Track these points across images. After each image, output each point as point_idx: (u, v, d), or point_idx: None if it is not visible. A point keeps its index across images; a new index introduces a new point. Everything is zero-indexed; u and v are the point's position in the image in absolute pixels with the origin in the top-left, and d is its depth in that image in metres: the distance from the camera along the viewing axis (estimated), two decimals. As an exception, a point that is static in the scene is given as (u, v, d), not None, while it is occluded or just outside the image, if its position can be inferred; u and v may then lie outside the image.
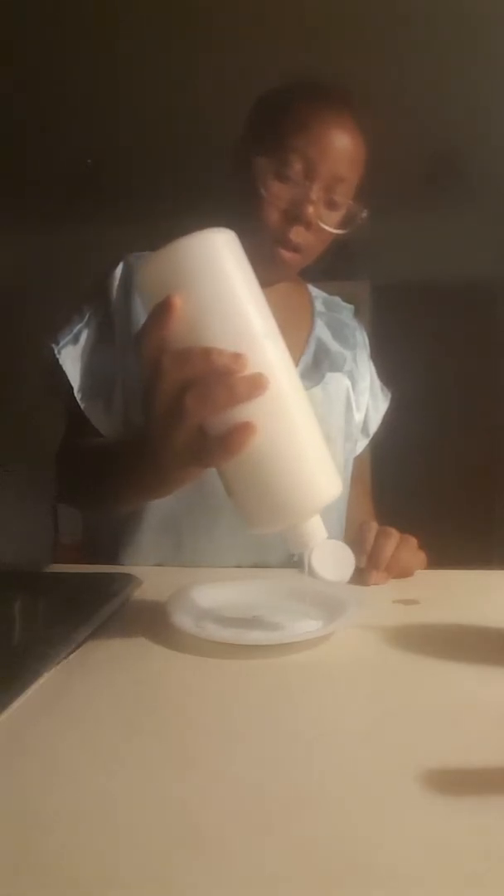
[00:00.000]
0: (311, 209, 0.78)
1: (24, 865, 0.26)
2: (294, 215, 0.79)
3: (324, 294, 1.03)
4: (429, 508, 2.81)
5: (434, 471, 3.47)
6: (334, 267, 0.95)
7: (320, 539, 0.50)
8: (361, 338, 1.03)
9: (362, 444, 1.04)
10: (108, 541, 0.91)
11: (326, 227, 0.81)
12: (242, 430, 0.45)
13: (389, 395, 1.07)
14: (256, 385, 0.45)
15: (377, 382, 1.05)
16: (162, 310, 0.45)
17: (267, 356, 0.47)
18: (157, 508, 0.86)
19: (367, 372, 1.02)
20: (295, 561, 0.52)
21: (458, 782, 0.33)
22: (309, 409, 0.50)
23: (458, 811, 0.30)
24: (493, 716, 0.41)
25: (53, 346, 0.85)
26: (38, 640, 0.50)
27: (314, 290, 1.02)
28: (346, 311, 1.01)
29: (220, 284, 0.46)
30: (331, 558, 0.51)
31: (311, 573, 0.50)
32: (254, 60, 1.82)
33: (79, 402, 0.85)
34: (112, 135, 2.74)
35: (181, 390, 0.45)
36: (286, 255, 0.82)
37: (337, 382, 0.94)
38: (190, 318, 0.45)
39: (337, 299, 1.03)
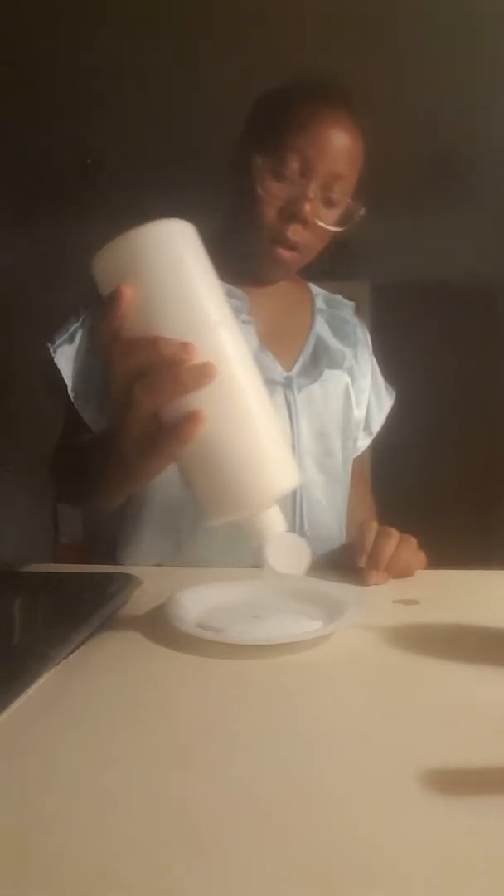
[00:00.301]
0: (307, 207, 0.78)
1: (24, 865, 0.26)
2: (291, 213, 0.79)
3: (325, 292, 1.03)
4: (429, 508, 2.81)
5: (434, 470, 3.47)
6: (334, 267, 0.95)
7: (278, 531, 0.50)
8: (363, 335, 1.03)
9: (365, 442, 1.04)
10: (108, 541, 0.91)
11: (324, 225, 0.81)
12: (191, 419, 0.45)
13: (394, 394, 1.06)
14: (204, 374, 0.45)
15: (381, 380, 1.05)
16: (112, 300, 0.46)
17: (220, 345, 0.47)
18: (157, 508, 0.86)
19: (368, 369, 1.02)
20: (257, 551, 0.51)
21: (458, 782, 0.33)
22: (265, 398, 0.50)
23: (458, 811, 0.30)
24: (493, 716, 0.41)
25: (49, 345, 0.86)
26: (38, 640, 0.50)
27: (315, 288, 1.02)
28: (346, 309, 1.01)
29: (172, 273, 0.46)
30: (287, 551, 0.50)
31: (267, 565, 0.50)
32: (254, 60, 1.82)
33: (73, 400, 0.85)
34: (112, 135, 2.74)
35: (132, 380, 0.46)
36: (284, 253, 0.82)
37: (336, 379, 0.94)
38: (142, 308, 0.46)
39: (338, 297, 1.03)
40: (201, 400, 0.46)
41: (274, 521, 0.50)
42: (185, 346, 0.45)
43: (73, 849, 0.27)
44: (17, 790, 0.32)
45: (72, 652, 0.50)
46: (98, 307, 0.48)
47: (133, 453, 0.51)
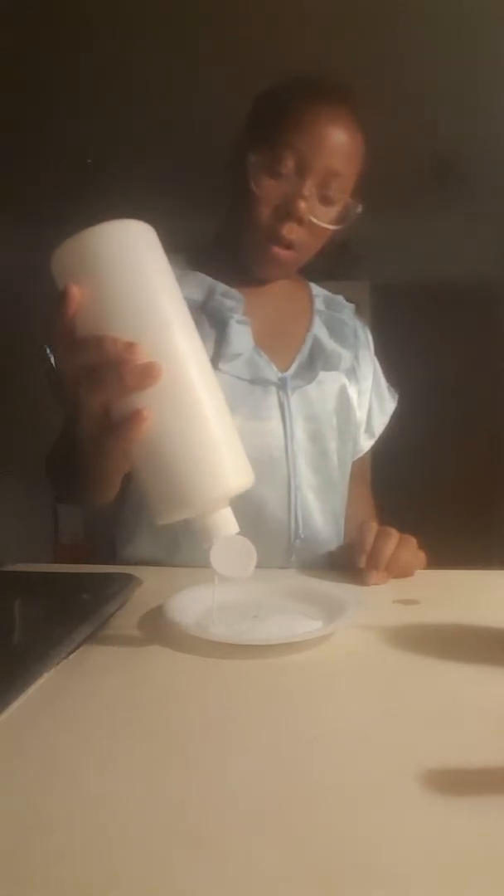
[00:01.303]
0: (302, 205, 0.78)
1: (24, 865, 0.26)
2: (286, 211, 0.79)
3: (325, 292, 1.02)
4: (429, 508, 2.81)
5: (434, 471, 3.47)
6: (334, 267, 0.95)
7: (228, 532, 0.49)
8: (364, 337, 1.03)
9: (367, 443, 1.04)
10: (108, 540, 0.91)
11: (320, 223, 0.80)
12: (134, 419, 0.46)
13: (397, 396, 1.06)
14: (148, 374, 0.45)
15: (383, 382, 1.05)
16: (60, 298, 0.46)
17: (171, 345, 0.47)
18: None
19: (369, 371, 1.02)
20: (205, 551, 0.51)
21: (458, 782, 0.33)
22: (219, 398, 0.50)
23: (458, 811, 0.30)
24: (493, 716, 0.41)
25: (46, 347, 0.86)
26: (38, 640, 0.50)
27: (315, 289, 1.01)
28: (346, 311, 1.01)
29: (122, 273, 0.47)
30: (231, 553, 0.50)
31: (212, 567, 0.50)
32: (254, 60, 1.81)
33: (58, 404, 0.85)
34: (112, 135, 2.74)
35: (79, 378, 0.47)
36: (280, 252, 0.82)
37: (332, 381, 0.93)
38: (93, 307, 0.46)
39: (339, 298, 1.02)
40: (149, 399, 0.46)
41: (224, 522, 0.49)
42: (129, 345, 0.45)
43: (73, 849, 0.27)
44: (17, 790, 0.32)
45: (72, 652, 0.50)
46: (52, 306, 0.48)
47: (89, 453, 0.52)
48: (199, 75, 2.31)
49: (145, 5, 1.97)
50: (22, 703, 0.41)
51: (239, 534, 0.50)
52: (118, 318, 0.46)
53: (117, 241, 0.47)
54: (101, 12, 1.99)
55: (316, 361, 0.92)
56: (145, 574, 0.72)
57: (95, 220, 0.47)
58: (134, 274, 0.47)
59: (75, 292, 0.46)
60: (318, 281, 1.03)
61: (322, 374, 0.92)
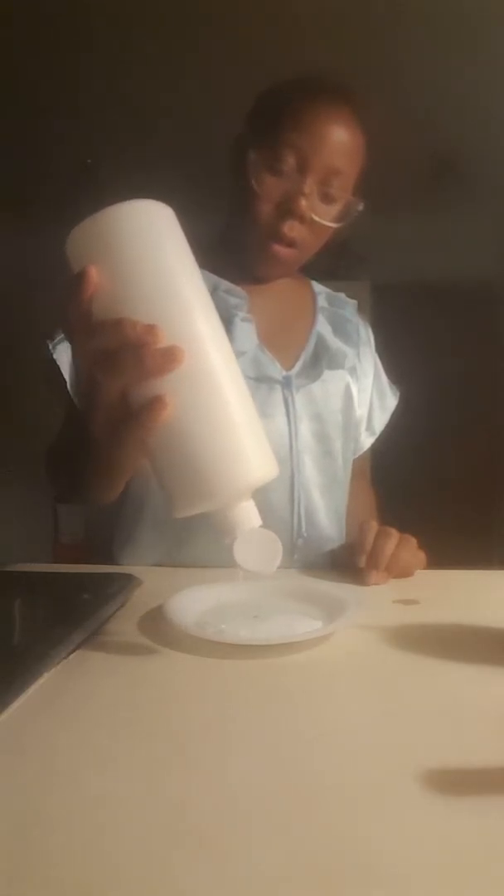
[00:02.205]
0: (303, 202, 0.78)
1: (24, 865, 0.26)
2: (287, 209, 0.78)
3: (327, 290, 1.02)
4: (429, 508, 2.81)
5: (434, 470, 3.47)
6: (335, 267, 0.95)
7: (251, 526, 0.47)
8: (365, 334, 1.03)
9: (368, 441, 1.04)
10: (108, 540, 0.91)
11: (321, 221, 0.80)
12: (154, 405, 0.43)
13: (398, 393, 1.06)
14: (169, 358, 0.43)
15: (384, 380, 1.05)
16: (77, 280, 0.44)
17: (193, 328, 0.45)
18: (157, 507, 0.86)
19: (370, 369, 1.02)
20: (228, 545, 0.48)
21: (458, 782, 0.33)
22: (242, 385, 0.47)
23: (458, 811, 0.30)
24: (493, 716, 0.41)
25: (48, 342, 0.85)
26: (38, 640, 0.50)
27: (317, 286, 1.01)
28: (349, 308, 1.01)
29: (142, 253, 0.45)
30: (256, 548, 0.47)
31: (235, 562, 0.47)
32: (254, 59, 1.81)
33: (72, 396, 0.85)
34: (112, 135, 2.73)
35: (95, 363, 0.45)
36: (281, 250, 0.82)
37: (336, 379, 0.93)
38: (111, 289, 0.44)
39: (341, 295, 1.02)
40: (170, 385, 0.43)
41: (247, 515, 0.47)
42: (150, 328, 0.43)
43: (73, 849, 0.27)
44: (17, 790, 0.32)
45: (72, 652, 0.50)
46: (65, 290, 0.46)
47: (104, 442, 0.49)
48: (200, 75, 2.31)
49: (146, 5, 1.97)
50: (22, 703, 0.41)
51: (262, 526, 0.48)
52: (137, 301, 0.44)
53: (136, 222, 0.45)
54: (102, 12, 1.99)
55: (321, 359, 0.92)
56: (145, 574, 0.72)
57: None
58: (154, 255, 0.45)
59: (93, 273, 0.44)
60: (318, 280, 1.03)
61: (327, 373, 0.92)
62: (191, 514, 0.46)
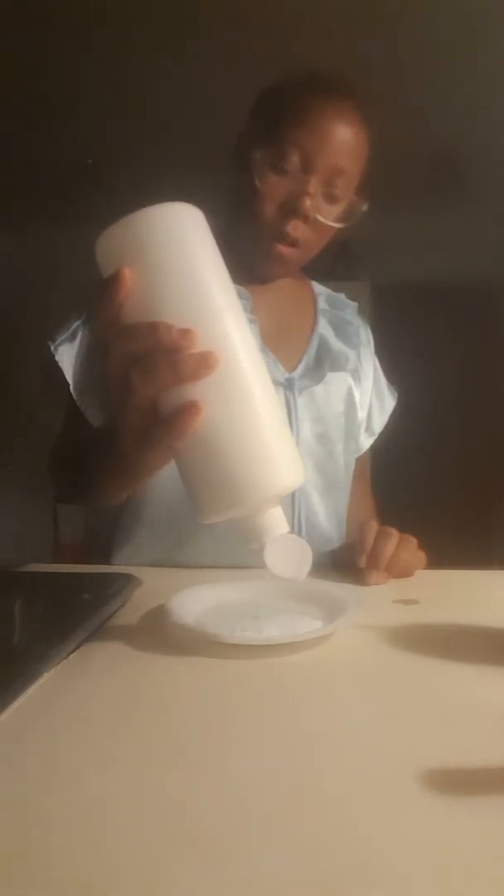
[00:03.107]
0: (307, 202, 0.77)
1: (24, 865, 0.26)
2: (291, 208, 0.78)
3: (328, 291, 1.02)
4: (429, 508, 2.81)
5: (434, 470, 3.47)
6: (335, 267, 0.94)
7: (279, 532, 0.47)
8: (365, 335, 1.03)
9: (367, 442, 1.04)
10: (109, 540, 0.91)
11: (325, 221, 0.80)
12: (188, 411, 0.43)
13: (396, 394, 1.06)
14: (204, 364, 0.43)
15: (383, 381, 1.05)
16: (111, 282, 0.44)
17: (225, 333, 0.45)
18: (157, 508, 0.86)
19: (370, 370, 1.02)
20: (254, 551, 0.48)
21: (458, 782, 0.33)
22: (271, 390, 0.47)
23: (458, 811, 0.30)
24: (493, 716, 0.41)
25: (50, 343, 0.85)
26: (38, 640, 0.50)
27: (318, 287, 1.01)
28: (349, 309, 1.01)
29: (175, 257, 0.44)
30: (286, 554, 0.47)
31: (265, 568, 0.47)
32: (255, 58, 1.81)
33: (75, 398, 0.85)
34: (112, 134, 2.73)
35: (128, 367, 0.44)
36: (284, 249, 0.81)
37: (338, 382, 0.93)
38: (143, 292, 0.44)
39: (341, 296, 1.02)
40: (202, 390, 0.43)
41: (276, 521, 0.47)
42: (185, 332, 0.43)
43: (73, 849, 0.27)
44: (17, 790, 0.32)
45: (72, 652, 0.50)
46: (97, 292, 0.46)
47: (131, 446, 0.49)
48: (200, 74, 2.31)
49: (146, 4, 1.97)
50: (22, 703, 0.41)
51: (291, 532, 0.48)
52: (170, 305, 0.44)
53: (168, 224, 0.45)
54: (102, 12, 1.99)
55: (323, 362, 0.91)
56: (145, 574, 0.72)
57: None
58: (187, 258, 0.45)
59: (127, 275, 0.43)
60: (318, 280, 1.03)
61: (329, 375, 0.91)
62: (219, 520, 0.46)
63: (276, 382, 0.87)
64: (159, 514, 0.86)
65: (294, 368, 0.90)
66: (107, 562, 0.89)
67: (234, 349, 0.45)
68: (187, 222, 0.46)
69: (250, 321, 0.85)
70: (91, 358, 0.86)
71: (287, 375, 0.88)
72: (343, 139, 0.78)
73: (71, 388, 0.85)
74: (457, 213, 3.39)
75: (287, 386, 0.88)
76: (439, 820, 0.30)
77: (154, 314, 0.43)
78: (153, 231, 0.44)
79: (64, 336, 0.86)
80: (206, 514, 0.46)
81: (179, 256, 0.45)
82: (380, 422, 1.04)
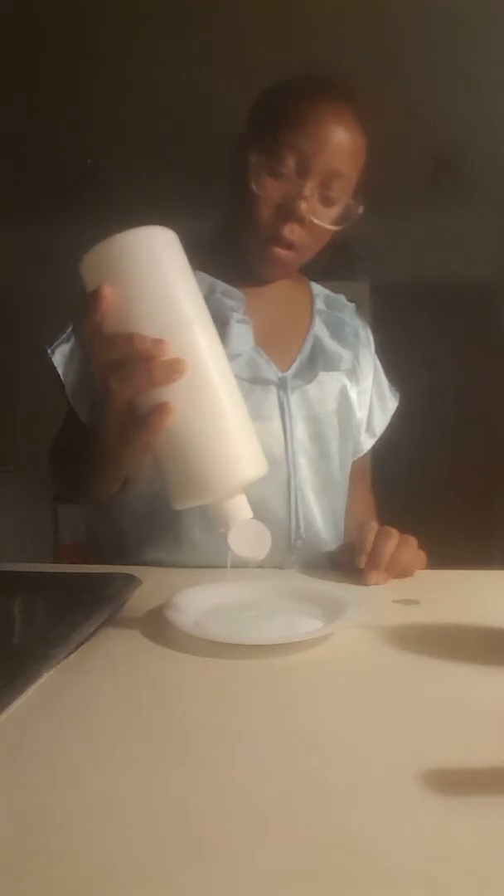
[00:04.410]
0: (303, 205, 0.77)
1: (25, 865, 0.26)
2: (287, 212, 0.78)
3: (326, 292, 1.02)
4: (429, 508, 2.81)
5: (434, 471, 3.47)
6: (334, 267, 0.94)
7: (243, 517, 0.53)
8: (365, 336, 1.02)
9: (368, 443, 1.04)
10: (108, 540, 0.91)
11: (321, 224, 0.80)
12: (160, 410, 0.49)
13: (398, 395, 1.06)
14: (174, 369, 0.49)
15: (384, 381, 1.05)
16: (93, 298, 0.50)
17: (193, 342, 0.51)
18: (157, 508, 0.86)
19: (370, 371, 1.01)
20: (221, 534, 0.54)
21: (458, 782, 0.33)
22: (235, 392, 0.53)
23: (458, 811, 0.30)
24: (493, 716, 0.41)
25: (47, 347, 0.86)
26: (38, 640, 0.50)
27: (316, 288, 1.01)
28: (347, 310, 1.01)
29: (149, 275, 0.51)
30: (249, 536, 0.53)
31: (230, 549, 0.53)
32: (255, 59, 1.81)
33: (69, 397, 0.85)
34: (112, 134, 2.74)
35: (109, 372, 0.50)
36: (280, 252, 0.82)
37: (332, 381, 0.93)
38: (121, 306, 0.50)
39: (341, 297, 1.02)
40: (173, 392, 0.49)
41: (239, 508, 0.53)
42: (157, 342, 0.49)
43: (73, 849, 0.27)
44: (17, 790, 0.32)
45: (72, 652, 0.50)
46: (82, 305, 0.51)
47: (112, 443, 0.55)
48: (200, 74, 2.31)
49: (146, 4, 1.97)
50: (22, 702, 0.41)
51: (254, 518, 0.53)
52: (145, 317, 0.50)
53: (145, 246, 0.51)
54: (102, 12, 1.99)
55: (316, 361, 0.92)
56: (145, 574, 0.72)
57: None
58: (160, 276, 0.51)
59: (107, 292, 0.49)
60: (317, 281, 1.03)
61: (322, 375, 0.91)
62: (189, 507, 0.53)
63: (269, 382, 0.87)
64: (159, 514, 0.86)
65: (287, 368, 0.90)
66: (107, 562, 0.89)
67: (201, 356, 0.51)
68: (160, 244, 0.52)
69: (243, 322, 0.85)
70: (84, 360, 0.87)
71: (280, 375, 0.88)
72: (339, 142, 0.78)
73: (66, 389, 0.86)
74: (457, 214, 3.39)
75: (280, 385, 0.88)
76: (439, 820, 0.30)
77: (131, 326, 0.50)
78: (130, 252, 0.51)
79: (61, 338, 0.87)
80: (177, 502, 0.53)
81: (153, 275, 0.51)
82: (381, 422, 1.03)
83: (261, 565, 0.85)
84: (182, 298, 0.52)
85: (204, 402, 0.51)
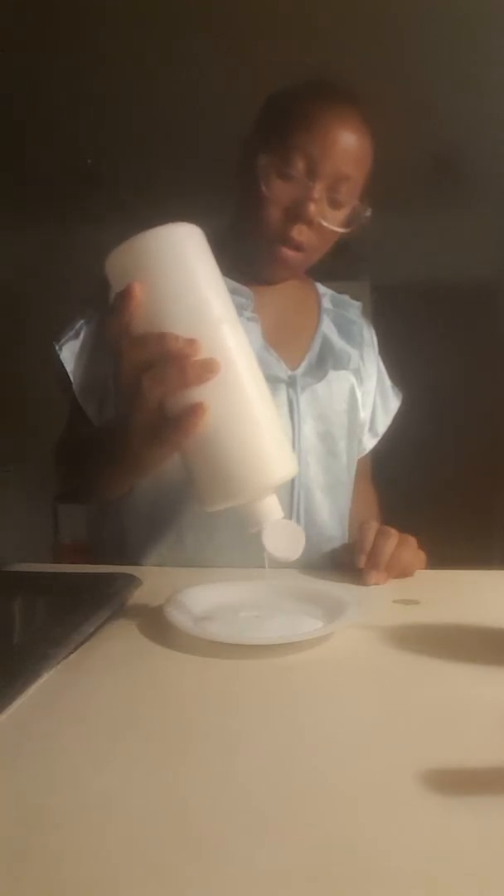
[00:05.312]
0: (312, 207, 0.78)
1: (25, 865, 0.26)
2: (296, 213, 0.79)
3: (331, 291, 1.02)
4: (429, 508, 2.81)
5: (434, 470, 3.47)
6: (335, 267, 0.94)
7: (275, 518, 0.52)
8: (369, 335, 1.03)
9: (370, 443, 1.04)
10: (110, 540, 0.91)
11: (329, 226, 0.81)
12: (194, 411, 0.48)
13: (401, 395, 1.06)
14: (208, 369, 0.48)
15: (387, 381, 1.05)
16: (123, 297, 0.49)
17: (223, 341, 0.50)
18: (158, 507, 0.86)
19: (374, 371, 1.02)
20: (253, 534, 0.53)
21: (458, 782, 0.33)
22: (266, 391, 0.53)
23: (458, 811, 0.30)
24: (493, 716, 0.41)
25: (55, 343, 0.87)
26: (38, 640, 0.50)
27: (322, 288, 1.02)
28: (353, 309, 1.01)
29: (178, 274, 0.50)
30: (283, 537, 0.53)
31: (264, 550, 0.52)
32: (258, 60, 1.82)
33: (77, 395, 0.86)
34: (112, 134, 2.73)
35: (139, 372, 0.49)
36: (289, 253, 0.82)
37: (341, 380, 0.94)
38: (150, 305, 0.49)
39: (345, 297, 1.03)
40: (205, 393, 0.48)
41: (271, 508, 0.52)
42: (190, 342, 0.48)
43: (73, 849, 0.27)
44: (17, 790, 0.32)
45: (72, 652, 0.50)
46: (108, 304, 0.50)
47: (138, 443, 0.54)
48: (201, 75, 2.30)
49: (149, 4, 1.97)
50: (22, 702, 0.41)
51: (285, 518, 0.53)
52: (175, 316, 0.49)
53: (172, 244, 0.50)
54: (102, 11, 1.99)
55: (326, 360, 0.92)
56: (145, 574, 0.72)
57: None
58: (189, 274, 0.50)
59: (137, 290, 0.48)
60: (319, 280, 1.03)
61: (331, 374, 0.92)
62: (221, 508, 0.52)
63: (278, 380, 0.87)
64: (160, 515, 0.86)
65: (297, 366, 0.90)
66: (108, 561, 0.89)
67: (232, 355, 0.50)
68: (189, 242, 0.51)
69: (253, 320, 0.86)
70: (93, 358, 0.87)
71: (290, 373, 0.89)
72: (348, 146, 0.79)
73: (73, 386, 0.86)
74: (457, 214, 3.39)
75: (289, 383, 0.88)
76: (439, 820, 0.30)
77: (160, 325, 0.49)
78: (159, 250, 0.49)
79: (68, 335, 0.87)
80: (209, 504, 0.52)
81: (183, 273, 0.50)
82: (383, 422, 1.04)
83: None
84: (211, 297, 0.51)
85: (236, 402, 0.50)
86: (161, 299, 0.49)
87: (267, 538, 0.52)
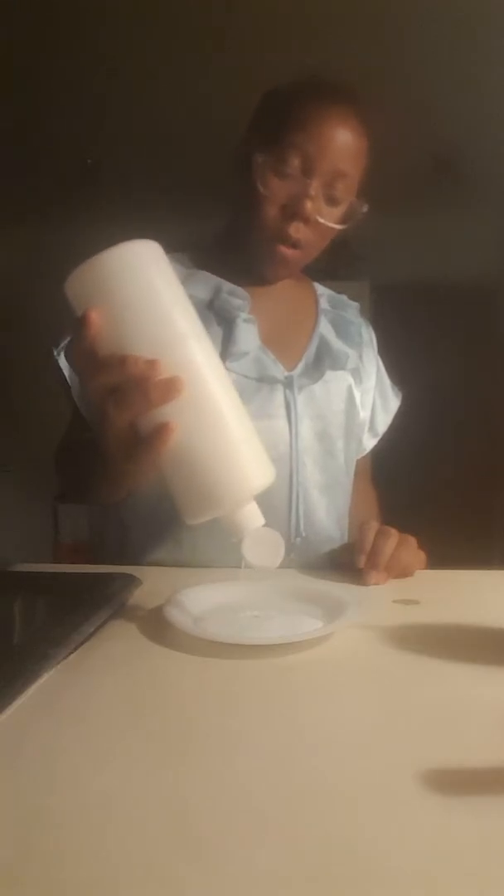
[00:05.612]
0: (308, 205, 0.78)
1: (25, 865, 0.26)
2: (292, 211, 0.79)
3: (329, 291, 1.02)
4: (429, 508, 2.81)
5: (434, 470, 3.47)
6: (334, 267, 0.94)
7: (254, 526, 0.52)
8: (368, 335, 1.03)
9: (370, 443, 1.04)
10: (110, 540, 0.91)
11: (326, 223, 0.81)
12: (162, 431, 0.48)
13: (400, 395, 1.06)
14: (171, 388, 0.47)
15: (387, 381, 1.05)
16: (80, 323, 0.48)
17: (190, 357, 0.50)
18: (159, 507, 0.86)
19: (373, 370, 1.02)
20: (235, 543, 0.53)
21: (458, 782, 0.33)
22: (236, 400, 0.52)
23: (458, 811, 0.30)
24: (493, 716, 0.41)
25: (54, 347, 0.86)
26: (38, 640, 0.50)
27: (320, 288, 1.02)
28: (351, 309, 1.01)
29: (137, 293, 0.49)
30: (262, 545, 0.53)
31: (244, 559, 0.52)
32: (256, 59, 1.81)
33: (75, 399, 0.86)
34: (112, 134, 2.73)
35: (105, 396, 0.49)
36: (286, 251, 0.82)
37: (338, 380, 0.94)
38: (113, 326, 0.48)
39: (343, 297, 1.02)
40: (173, 410, 0.48)
41: (251, 516, 0.52)
42: (151, 363, 0.47)
43: (73, 849, 0.27)
44: (17, 790, 0.32)
45: (72, 652, 0.50)
46: (72, 328, 0.50)
47: (116, 460, 0.54)
48: (200, 74, 2.31)
49: (147, 4, 1.97)
50: (22, 702, 0.41)
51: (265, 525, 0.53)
52: (137, 336, 0.48)
53: (128, 263, 0.49)
54: (102, 11, 1.99)
55: (323, 360, 0.92)
56: (145, 574, 0.72)
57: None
58: (147, 292, 0.49)
59: (93, 316, 0.48)
60: (318, 281, 1.03)
61: (328, 374, 0.92)
62: (201, 521, 0.52)
63: (275, 381, 0.87)
64: (160, 515, 0.86)
65: (294, 367, 0.90)
66: (108, 561, 0.89)
67: (197, 370, 0.50)
68: (145, 259, 0.50)
69: (249, 321, 0.86)
70: None
71: (286, 374, 0.89)
72: (344, 143, 0.79)
73: (72, 391, 0.86)
74: (457, 213, 3.39)
75: (286, 384, 0.88)
76: (439, 820, 0.30)
77: (123, 347, 0.48)
78: (114, 271, 0.49)
79: (67, 341, 0.87)
80: (190, 517, 0.52)
81: (139, 292, 0.49)
82: (383, 422, 1.04)
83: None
84: (173, 312, 0.50)
85: (206, 416, 0.50)
86: (123, 320, 0.48)
87: (246, 547, 0.52)
